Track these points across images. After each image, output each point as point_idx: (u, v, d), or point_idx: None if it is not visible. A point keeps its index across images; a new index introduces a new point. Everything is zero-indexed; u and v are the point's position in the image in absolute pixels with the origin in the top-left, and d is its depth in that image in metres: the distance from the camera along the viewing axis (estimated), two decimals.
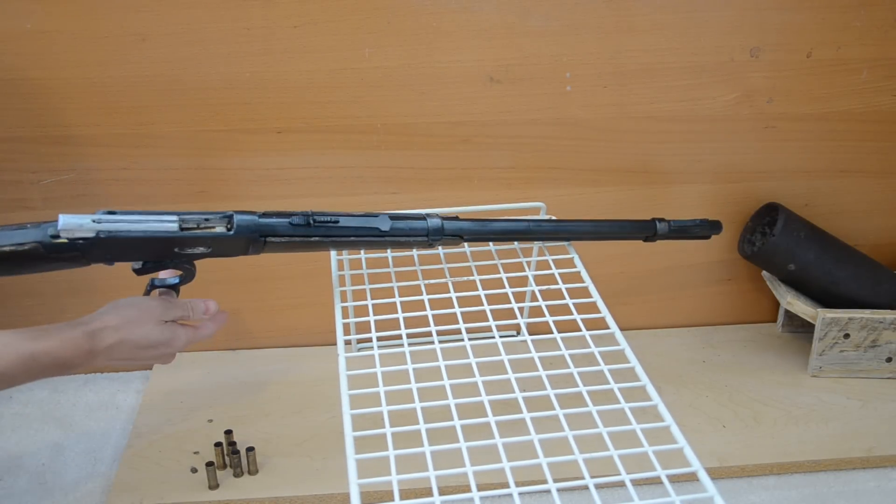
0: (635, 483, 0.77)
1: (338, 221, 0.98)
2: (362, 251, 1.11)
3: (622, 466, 0.79)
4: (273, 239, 0.96)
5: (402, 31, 1.19)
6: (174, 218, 0.93)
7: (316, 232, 0.98)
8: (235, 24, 1.16)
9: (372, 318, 0.98)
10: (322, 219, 0.98)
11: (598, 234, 1.13)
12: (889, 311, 1.30)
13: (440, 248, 1.08)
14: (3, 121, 1.18)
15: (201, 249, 0.95)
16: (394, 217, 1.01)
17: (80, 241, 0.89)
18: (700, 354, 1.40)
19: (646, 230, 1.13)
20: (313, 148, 1.25)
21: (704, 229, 1.14)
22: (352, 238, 1.00)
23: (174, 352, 0.99)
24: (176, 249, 0.94)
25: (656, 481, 0.79)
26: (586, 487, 0.77)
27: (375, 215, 1.01)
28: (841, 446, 1.18)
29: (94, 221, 0.89)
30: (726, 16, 1.23)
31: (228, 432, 1.16)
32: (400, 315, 0.98)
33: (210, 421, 1.22)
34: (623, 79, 1.25)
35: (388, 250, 1.10)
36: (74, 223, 0.88)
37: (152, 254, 0.94)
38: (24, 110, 1.18)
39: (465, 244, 1.12)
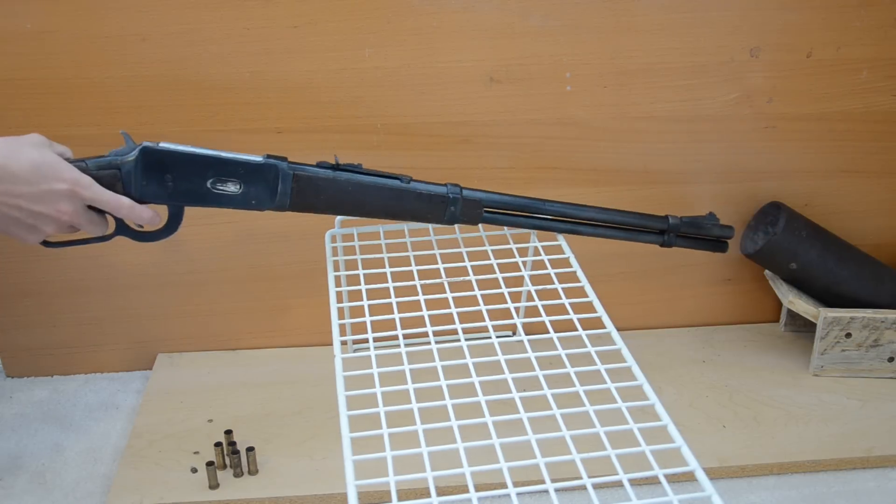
0: (633, 483, 0.77)
1: (360, 166, 1.03)
2: (358, 249, 1.11)
3: (620, 466, 0.79)
4: (301, 173, 1.01)
5: (402, 31, 1.19)
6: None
7: (342, 175, 1.02)
8: (235, 24, 1.16)
9: (368, 319, 0.97)
10: (346, 165, 1.03)
11: (607, 223, 1.14)
12: (891, 310, 1.30)
13: (435, 245, 1.08)
14: (3, 121, 1.18)
15: (233, 188, 0.99)
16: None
17: (124, 156, 0.96)
18: (700, 354, 1.40)
19: (657, 223, 1.13)
20: (313, 148, 1.25)
21: (716, 227, 1.14)
22: (376, 184, 1.03)
23: (49, 231, 0.96)
24: (209, 184, 0.98)
25: (654, 481, 0.78)
26: (584, 487, 0.77)
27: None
28: (841, 446, 1.18)
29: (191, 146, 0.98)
30: (726, 16, 1.22)
31: (228, 432, 1.16)
32: (396, 316, 0.98)
33: (210, 421, 1.22)
34: (623, 79, 1.25)
35: (385, 249, 1.10)
36: (175, 145, 0.97)
37: (188, 182, 0.98)
38: (24, 110, 1.18)
39: (462, 243, 1.12)
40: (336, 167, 1.02)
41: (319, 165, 1.02)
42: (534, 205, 1.11)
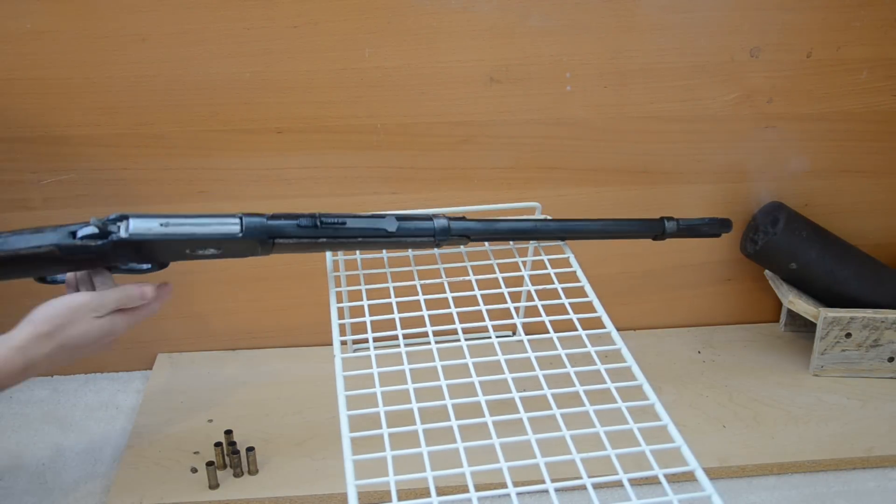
0: (633, 482, 0.77)
1: (345, 223, 1.00)
2: (357, 251, 1.11)
3: (620, 466, 0.79)
4: (281, 241, 0.97)
5: (402, 31, 1.19)
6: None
7: (323, 233, 0.99)
8: (235, 24, 1.16)
9: (368, 319, 0.97)
10: (329, 220, 0.99)
11: (605, 234, 1.13)
12: (891, 310, 1.29)
13: (440, 249, 1.09)
14: (3, 121, 1.18)
15: (211, 251, 0.96)
16: (400, 218, 1.02)
17: (97, 244, 0.91)
18: (700, 354, 1.40)
19: (654, 229, 1.12)
20: (313, 148, 1.25)
21: (714, 228, 1.13)
22: (359, 239, 1.01)
23: (116, 337, 0.96)
24: (187, 251, 0.95)
25: (654, 481, 0.78)
26: (584, 487, 0.77)
27: (382, 216, 1.02)
28: (841, 446, 1.18)
29: (161, 224, 0.92)
30: (726, 16, 1.22)
31: (228, 432, 1.16)
32: (396, 315, 0.98)
33: (210, 421, 1.22)
34: (623, 79, 1.25)
35: (384, 250, 1.10)
36: (144, 226, 0.92)
37: (166, 256, 0.95)
38: (24, 110, 1.18)
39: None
40: (318, 226, 0.98)
41: (300, 224, 0.97)
42: (525, 228, 1.09)
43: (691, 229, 1.13)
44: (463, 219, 1.06)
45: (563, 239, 1.12)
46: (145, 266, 1.00)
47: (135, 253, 0.93)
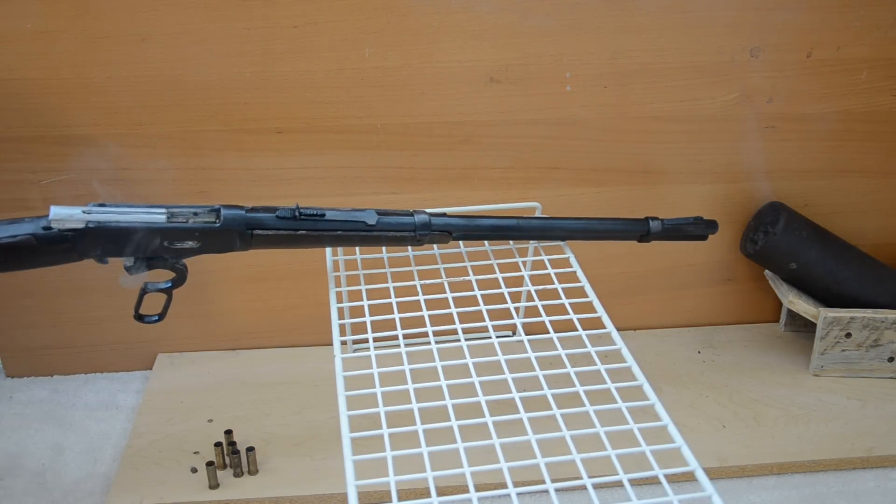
0: (633, 483, 0.77)
1: (324, 215, 0.99)
2: (357, 250, 1.11)
3: (620, 466, 0.79)
4: (260, 232, 0.97)
5: (402, 31, 1.19)
6: (162, 210, 0.94)
7: (302, 225, 0.98)
8: (235, 24, 1.16)
9: (368, 319, 0.97)
10: (308, 212, 0.99)
11: (589, 232, 1.12)
12: (891, 310, 1.30)
13: (435, 247, 1.08)
14: (3, 121, 1.18)
15: (190, 244, 0.96)
16: (381, 213, 1.02)
17: (71, 233, 0.91)
18: (700, 354, 1.40)
19: (638, 228, 1.12)
20: (313, 148, 1.25)
21: (699, 228, 1.13)
22: (339, 232, 1.00)
23: None
24: (165, 243, 0.95)
25: (654, 481, 0.78)
26: (584, 487, 0.77)
27: (362, 210, 1.01)
28: (841, 446, 1.18)
29: (83, 212, 0.91)
30: (726, 16, 1.22)
31: (228, 432, 1.16)
32: (396, 315, 0.98)
33: (210, 421, 1.22)
34: (623, 79, 1.25)
35: (384, 250, 1.10)
36: (65, 213, 0.90)
37: (141, 247, 0.95)
38: (24, 110, 1.18)
39: (461, 244, 1.12)
40: (296, 218, 0.98)
41: (279, 215, 0.97)
42: (507, 225, 1.08)
43: (677, 229, 1.13)
44: (444, 215, 1.06)
45: (545, 238, 1.12)
46: (163, 284, 1.00)
47: (111, 243, 0.93)
